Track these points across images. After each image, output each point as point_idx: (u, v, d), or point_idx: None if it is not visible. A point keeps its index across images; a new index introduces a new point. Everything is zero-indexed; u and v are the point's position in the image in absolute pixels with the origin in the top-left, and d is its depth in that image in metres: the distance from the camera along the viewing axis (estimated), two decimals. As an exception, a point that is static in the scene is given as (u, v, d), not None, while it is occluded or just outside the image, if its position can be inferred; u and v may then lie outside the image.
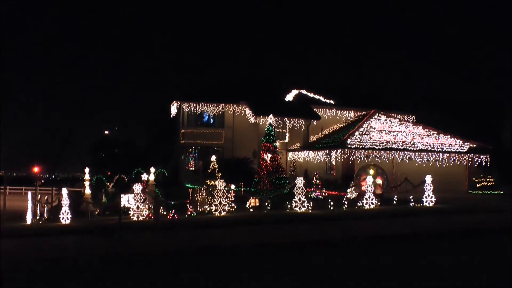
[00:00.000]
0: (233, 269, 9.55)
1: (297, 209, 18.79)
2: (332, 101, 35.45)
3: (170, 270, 9.47)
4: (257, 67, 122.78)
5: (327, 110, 34.81)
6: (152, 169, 20.94)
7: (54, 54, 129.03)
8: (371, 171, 22.60)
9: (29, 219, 17.55)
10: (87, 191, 19.85)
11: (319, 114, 33.49)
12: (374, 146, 26.65)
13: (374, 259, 10.51)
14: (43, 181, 51.21)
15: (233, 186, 19.08)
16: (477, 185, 29.87)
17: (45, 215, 17.93)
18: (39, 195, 19.46)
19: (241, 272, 9.19)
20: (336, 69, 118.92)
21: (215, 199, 18.09)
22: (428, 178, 21.42)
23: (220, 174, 21.43)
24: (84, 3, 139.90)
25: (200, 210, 18.48)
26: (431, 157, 27.59)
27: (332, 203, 19.56)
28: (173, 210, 17.49)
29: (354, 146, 26.23)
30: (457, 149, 28.45)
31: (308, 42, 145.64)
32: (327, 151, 28.00)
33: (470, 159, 28.67)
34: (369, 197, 20.16)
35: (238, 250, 11.49)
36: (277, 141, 24.70)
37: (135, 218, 17.07)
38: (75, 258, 10.65)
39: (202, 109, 32.92)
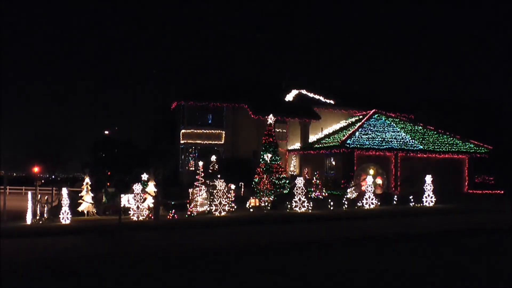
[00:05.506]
0: (232, 268, 9.55)
1: (297, 209, 18.79)
2: (332, 101, 35.44)
3: (169, 270, 9.48)
4: (257, 67, 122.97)
5: (327, 110, 34.80)
6: (152, 169, 20.95)
7: (54, 54, 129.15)
8: (371, 171, 22.66)
9: (29, 219, 17.56)
10: (88, 193, 19.85)
11: (319, 114, 33.49)
12: (374, 146, 26.65)
13: (373, 259, 10.51)
14: (43, 181, 51.17)
15: (233, 186, 19.09)
16: (477, 185, 29.87)
17: (45, 215, 17.93)
18: (39, 195, 19.44)
19: (240, 272, 9.19)
20: (336, 69, 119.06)
21: (215, 199, 18.09)
22: (428, 178, 21.45)
23: (220, 174, 21.45)
24: (85, 2, 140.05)
25: (200, 210, 18.48)
26: (431, 157, 27.59)
27: (332, 203, 19.57)
28: (173, 210, 17.52)
29: (354, 146, 26.23)
30: (457, 149, 28.45)
31: (308, 42, 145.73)
32: (327, 151, 28.00)
33: (470, 159, 28.66)
34: (369, 197, 20.17)
35: (237, 250, 11.49)
36: (277, 141, 24.71)
37: (135, 218, 17.09)
38: (75, 258, 10.65)
39: (202, 109, 32.90)
